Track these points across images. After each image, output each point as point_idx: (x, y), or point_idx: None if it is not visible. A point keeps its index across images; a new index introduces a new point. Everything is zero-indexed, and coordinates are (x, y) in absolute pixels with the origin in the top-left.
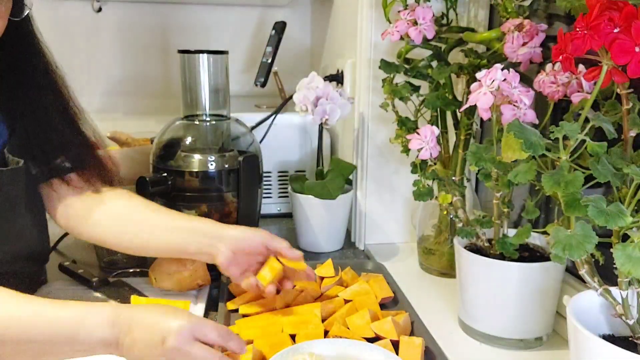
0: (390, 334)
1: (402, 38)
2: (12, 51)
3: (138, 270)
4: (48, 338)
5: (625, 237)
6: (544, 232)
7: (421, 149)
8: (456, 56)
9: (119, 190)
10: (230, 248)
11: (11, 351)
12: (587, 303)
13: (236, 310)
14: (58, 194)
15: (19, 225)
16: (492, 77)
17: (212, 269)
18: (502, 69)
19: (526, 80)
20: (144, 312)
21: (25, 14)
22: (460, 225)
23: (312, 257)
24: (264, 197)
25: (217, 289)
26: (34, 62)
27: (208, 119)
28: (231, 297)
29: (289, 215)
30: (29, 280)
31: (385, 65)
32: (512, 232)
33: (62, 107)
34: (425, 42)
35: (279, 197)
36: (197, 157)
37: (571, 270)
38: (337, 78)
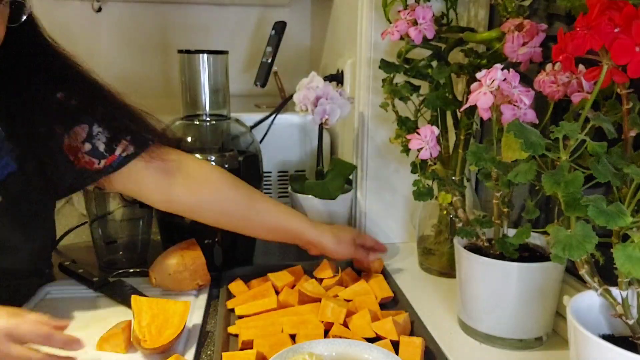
0: (390, 334)
1: (402, 38)
2: (21, 58)
3: (138, 270)
4: None
5: (625, 237)
6: (544, 232)
7: (421, 148)
8: (456, 56)
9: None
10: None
11: None
12: (587, 303)
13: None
14: (142, 180)
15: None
16: (492, 77)
17: (212, 269)
18: (502, 69)
19: (526, 80)
20: None
21: (23, 19)
22: (460, 225)
23: (312, 257)
24: None
25: (217, 289)
26: (47, 65)
27: (208, 119)
28: (231, 297)
29: None
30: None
31: (385, 65)
32: (512, 232)
33: (100, 94)
34: (425, 42)
35: (279, 197)
36: (197, 156)
37: (571, 270)
38: (337, 78)
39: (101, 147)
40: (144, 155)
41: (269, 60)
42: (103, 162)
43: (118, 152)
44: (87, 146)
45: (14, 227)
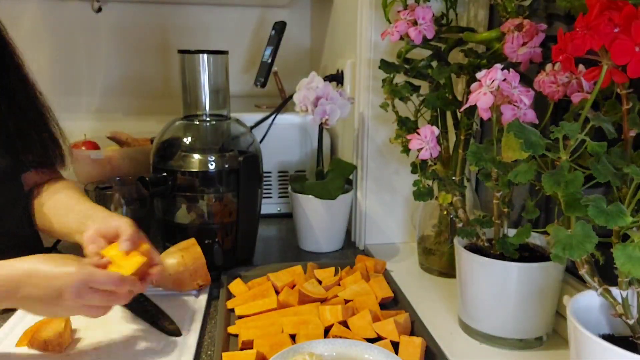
0: (392, 335)
1: (402, 38)
2: None
3: None
4: None
5: (625, 237)
6: (544, 232)
7: (421, 149)
8: (456, 56)
9: (63, 183)
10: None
11: None
12: (587, 303)
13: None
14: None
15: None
16: (492, 77)
17: (213, 268)
18: (502, 69)
19: (526, 80)
20: (35, 264)
21: None
22: (460, 225)
23: (312, 257)
24: (264, 197)
25: (217, 289)
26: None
27: (208, 119)
28: (231, 297)
29: (289, 215)
30: None
31: (385, 65)
32: (512, 232)
33: (34, 105)
34: (425, 42)
35: (279, 197)
36: (197, 157)
37: (571, 270)
38: (337, 78)
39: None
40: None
41: (269, 61)
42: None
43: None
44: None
45: None
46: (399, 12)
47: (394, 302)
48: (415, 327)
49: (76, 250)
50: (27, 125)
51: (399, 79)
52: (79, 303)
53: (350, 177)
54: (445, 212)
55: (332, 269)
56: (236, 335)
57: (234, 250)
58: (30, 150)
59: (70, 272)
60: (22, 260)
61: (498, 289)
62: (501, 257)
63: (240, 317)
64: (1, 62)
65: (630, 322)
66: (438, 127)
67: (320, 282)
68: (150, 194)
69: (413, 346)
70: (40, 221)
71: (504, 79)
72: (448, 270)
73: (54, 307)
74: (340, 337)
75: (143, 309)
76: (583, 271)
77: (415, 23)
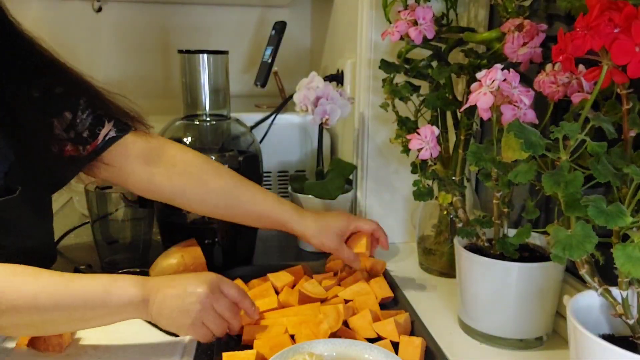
0: (392, 335)
1: (402, 38)
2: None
3: (139, 270)
4: (80, 302)
5: (625, 237)
6: (544, 232)
7: (421, 149)
8: (456, 56)
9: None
10: None
11: (45, 319)
12: (587, 303)
13: None
14: (123, 165)
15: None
16: (492, 77)
17: (212, 269)
18: (502, 69)
19: (526, 80)
20: (171, 276)
21: None
22: (460, 225)
23: (313, 257)
24: None
25: None
26: (25, 57)
27: (208, 119)
28: None
29: None
30: None
31: (385, 65)
32: (512, 232)
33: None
34: (425, 42)
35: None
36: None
37: (571, 270)
38: (337, 78)
39: (85, 134)
40: (126, 138)
41: (269, 61)
42: (88, 147)
43: (101, 136)
44: (72, 134)
45: (25, 214)
46: (399, 12)
47: (394, 302)
48: (415, 327)
49: (77, 250)
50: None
51: (399, 79)
52: (208, 305)
53: (350, 177)
54: (445, 212)
55: (331, 274)
56: (236, 335)
57: (234, 250)
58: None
59: (204, 274)
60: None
61: (498, 289)
62: (501, 257)
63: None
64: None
65: (630, 322)
66: (438, 127)
67: (320, 282)
68: None
69: (413, 346)
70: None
71: (504, 79)
72: (448, 270)
73: (183, 314)
74: (340, 337)
75: None
76: (583, 271)
77: (415, 23)
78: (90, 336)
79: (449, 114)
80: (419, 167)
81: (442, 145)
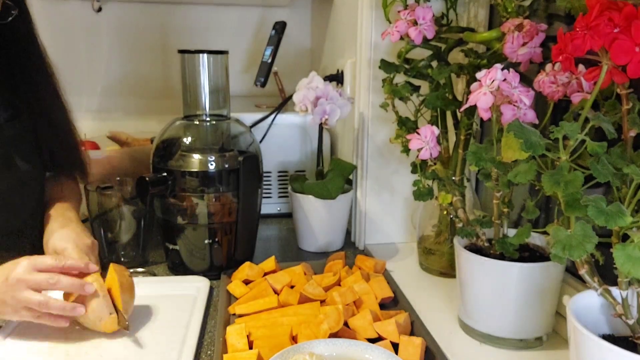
0: (392, 336)
1: (402, 38)
2: (10, 54)
3: (139, 270)
4: None
5: (625, 237)
6: (544, 232)
7: (421, 149)
8: (456, 56)
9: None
10: None
11: None
12: (587, 303)
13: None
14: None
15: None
16: (492, 77)
17: (212, 269)
18: (502, 69)
19: (526, 80)
20: None
21: (9, 18)
22: (460, 225)
23: (312, 257)
24: (264, 197)
25: (217, 290)
26: (35, 64)
27: (208, 119)
28: (231, 297)
29: (289, 215)
30: None
31: (385, 65)
32: (512, 232)
33: (62, 108)
34: (425, 42)
35: (279, 197)
36: (197, 157)
37: (571, 270)
38: (337, 78)
39: None
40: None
41: (269, 61)
42: None
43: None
44: None
45: (13, 183)
46: (399, 12)
47: (394, 302)
48: (415, 327)
49: None
50: (56, 138)
51: (399, 79)
52: (19, 288)
53: (350, 177)
54: (445, 212)
55: (330, 274)
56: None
57: (234, 250)
58: (56, 158)
59: (10, 262)
60: None
61: (498, 289)
62: (501, 257)
63: (240, 316)
64: (37, 72)
65: (630, 322)
66: (438, 127)
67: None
68: (150, 194)
69: (413, 346)
70: None
71: (504, 79)
72: (448, 270)
73: (1, 304)
74: (340, 337)
75: None
76: (583, 271)
77: (415, 23)
78: (90, 336)
79: (449, 114)
80: (419, 167)
81: (442, 145)
